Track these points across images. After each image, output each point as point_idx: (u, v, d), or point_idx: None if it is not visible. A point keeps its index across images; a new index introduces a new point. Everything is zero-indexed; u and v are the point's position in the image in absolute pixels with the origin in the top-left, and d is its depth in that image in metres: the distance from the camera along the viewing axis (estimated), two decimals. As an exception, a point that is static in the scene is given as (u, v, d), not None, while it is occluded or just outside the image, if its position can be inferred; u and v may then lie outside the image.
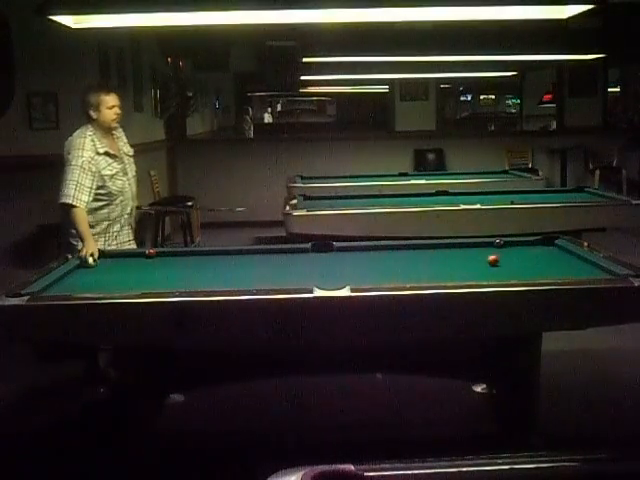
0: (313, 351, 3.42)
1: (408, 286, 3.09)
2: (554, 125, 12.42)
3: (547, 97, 14.34)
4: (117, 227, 4.60)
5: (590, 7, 3.55)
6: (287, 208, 5.92)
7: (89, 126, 4.52)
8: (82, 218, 4.33)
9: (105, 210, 4.50)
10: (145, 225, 8.25)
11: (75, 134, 4.52)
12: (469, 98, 19.72)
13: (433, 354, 3.55)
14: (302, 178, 8.01)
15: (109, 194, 4.48)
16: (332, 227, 5.50)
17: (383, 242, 4.45)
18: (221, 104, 15.39)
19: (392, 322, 3.07)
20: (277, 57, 11.20)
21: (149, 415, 3.53)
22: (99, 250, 4.18)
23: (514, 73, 12.26)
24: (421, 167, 10.66)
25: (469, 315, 3.11)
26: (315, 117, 20.79)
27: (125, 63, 7.83)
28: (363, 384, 4.27)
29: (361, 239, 4.68)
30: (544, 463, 1.45)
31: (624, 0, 7.90)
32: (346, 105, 18.87)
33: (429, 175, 8.29)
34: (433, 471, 1.40)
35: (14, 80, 6.18)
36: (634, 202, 5.88)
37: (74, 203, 4.33)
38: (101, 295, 3.09)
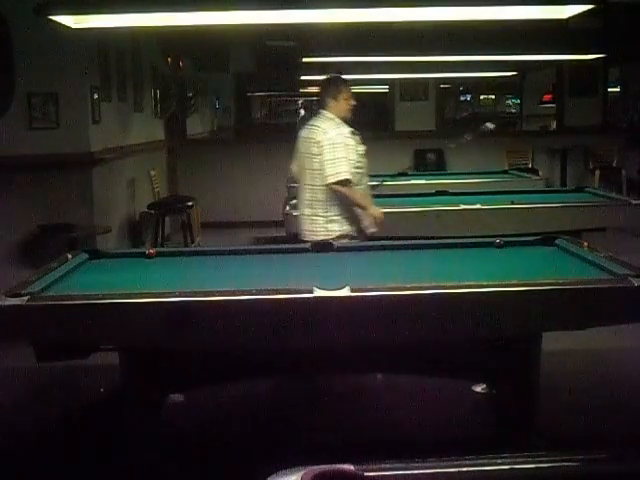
0: (313, 351, 3.42)
1: (408, 286, 3.09)
2: (554, 125, 12.41)
3: (547, 97, 14.32)
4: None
5: (590, 7, 3.55)
6: (287, 208, 5.92)
7: (326, 112, 4.68)
8: (356, 191, 4.54)
9: (358, 187, 4.62)
10: (145, 225, 8.26)
11: (319, 120, 4.68)
12: (469, 98, 19.69)
13: (433, 354, 3.54)
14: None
15: (361, 172, 4.63)
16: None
17: (383, 242, 4.45)
18: (221, 104, 15.36)
19: (392, 322, 3.07)
20: (277, 57, 11.19)
21: (149, 415, 3.53)
22: (98, 250, 4.18)
23: (514, 73, 12.25)
24: (421, 167, 10.64)
25: (469, 315, 3.11)
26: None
27: (125, 63, 7.82)
28: (363, 384, 4.27)
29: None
30: (544, 463, 1.45)
31: (624, 0, 7.89)
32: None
33: (429, 175, 8.29)
34: (433, 471, 1.40)
35: (14, 80, 6.18)
36: (634, 202, 5.88)
37: (350, 178, 4.49)
38: (101, 295, 3.09)
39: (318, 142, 4.56)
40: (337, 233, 4.56)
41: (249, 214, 10.22)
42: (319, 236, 4.53)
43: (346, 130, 4.61)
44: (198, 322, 3.04)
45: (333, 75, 4.92)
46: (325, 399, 4.25)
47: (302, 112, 14.90)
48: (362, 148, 4.67)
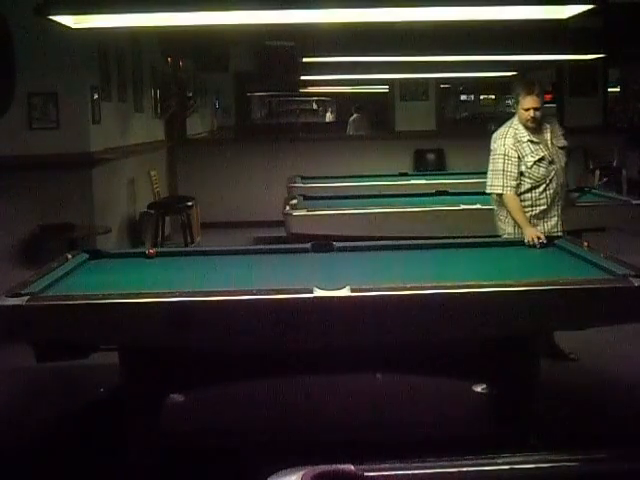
0: (313, 351, 3.42)
1: (408, 286, 3.10)
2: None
3: (547, 97, 14.33)
4: (553, 213, 4.68)
5: (590, 7, 3.55)
6: (287, 208, 5.92)
7: (515, 116, 4.70)
8: (514, 205, 4.55)
9: (529, 195, 4.61)
10: (145, 225, 8.26)
11: (503, 125, 4.72)
12: (469, 98, 19.70)
13: (433, 354, 3.54)
14: (302, 178, 8.01)
15: (533, 179, 4.60)
16: (332, 227, 5.50)
17: (383, 242, 4.45)
18: (221, 104, 15.36)
19: (392, 322, 3.07)
20: (277, 57, 11.19)
21: (149, 415, 3.53)
22: (98, 250, 4.18)
23: (514, 73, 12.24)
24: (421, 167, 10.65)
25: (469, 315, 3.11)
26: (314, 117, 20.75)
27: (125, 63, 7.82)
28: (363, 384, 4.27)
29: (361, 239, 4.68)
30: (544, 463, 1.45)
31: (624, 0, 7.88)
32: (347, 105, 18.87)
33: (429, 175, 8.29)
34: (433, 471, 1.40)
35: (14, 80, 6.18)
36: (634, 202, 5.88)
37: (504, 192, 4.54)
38: (101, 295, 3.09)
39: (490, 149, 4.70)
40: (510, 231, 4.63)
41: (249, 214, 10.22)
42: (504, 233, 4.68)
43: (510, 142, 4.58)
44: (198, 322, 3.05)
45: (519, 80, 4.86)
46: (325, 399, 4.25)
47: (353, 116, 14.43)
48: (532, 159, 4.57)
